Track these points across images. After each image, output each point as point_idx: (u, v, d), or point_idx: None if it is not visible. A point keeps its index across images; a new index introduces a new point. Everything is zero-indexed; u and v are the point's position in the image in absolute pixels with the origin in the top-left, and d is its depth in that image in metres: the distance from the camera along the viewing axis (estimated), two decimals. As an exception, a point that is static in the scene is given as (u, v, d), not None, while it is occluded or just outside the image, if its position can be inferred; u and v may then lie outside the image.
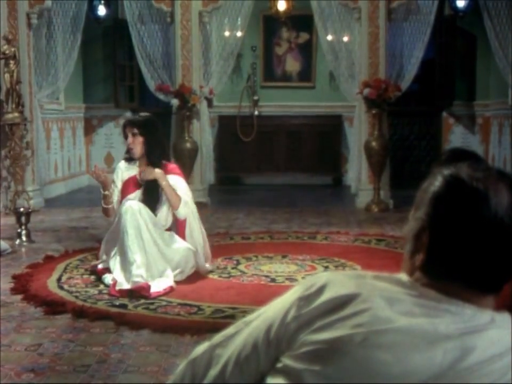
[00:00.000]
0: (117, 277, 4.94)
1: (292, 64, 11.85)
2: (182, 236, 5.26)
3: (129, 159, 5.46)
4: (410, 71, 9.02)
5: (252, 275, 5.47)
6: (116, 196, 5.40)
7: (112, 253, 5.16)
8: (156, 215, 5.18)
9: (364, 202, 8.89)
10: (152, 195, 5.26)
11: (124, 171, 5.44)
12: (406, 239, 1.31)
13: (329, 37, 9.25)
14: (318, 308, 1.23)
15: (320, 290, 1.25)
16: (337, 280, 1.27)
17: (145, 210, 5.06)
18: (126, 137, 5.40)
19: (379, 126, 8.73)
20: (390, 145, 9.05)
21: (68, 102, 11.06)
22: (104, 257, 5.34)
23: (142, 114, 5.61)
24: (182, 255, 5.18)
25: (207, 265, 5.45)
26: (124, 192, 5.35)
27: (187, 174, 8.74)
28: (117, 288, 4.85)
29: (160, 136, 5.48)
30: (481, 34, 10.25)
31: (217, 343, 1.36)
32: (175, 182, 5.28)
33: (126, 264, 4.91)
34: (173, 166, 5.50)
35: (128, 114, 5.65)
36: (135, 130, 5.31)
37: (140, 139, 5.30)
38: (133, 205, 5.03)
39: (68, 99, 11.01)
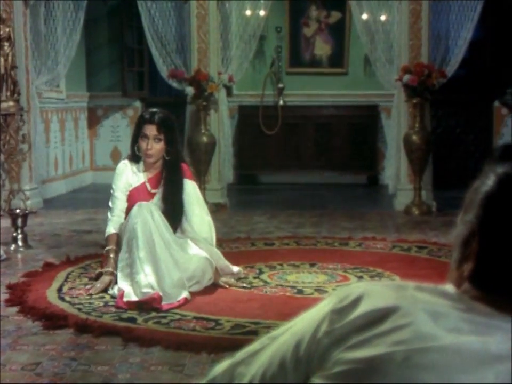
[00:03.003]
0: (123, 287, 4.95)
1: (322, 48, 11.84)
2: None
3: (134, 158, 5.42)
4: (457, 54, 8.98)
5: (276, 286, 5.48)
6: (120, 205, 5.35)
7: (119, 260, 5.17)
8: (175, 229, 5.22)
9: (403, 204, 8.86)
10: (175, 209, 5.29)
11: (131, 175, 5.39)
12: (453, 245, 1.31)
13: (365, 16, 9.24)
14: (353, 322, 1.23)
15: (356, 302, 1.25)
16: (374, 291, 1.27)
17: (157, 212, 5.07)
18: (140, 134, 5.29)
19: (421, 118, 8.70)
20: (433, 140, 9.02)
21: (69, 90, 11.12)
22: None
23: (159, 111, 5.36)
24: (199, 264, 5.18)
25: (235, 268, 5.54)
26: (132, 202, 5.27)
27: (203, 171, 8.78)
28: (125, 299, 4.86)
29: (178, 136, 5.47)
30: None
31: (240, 361, 1.37)
32: (190, 191, 5.35)
33: (134, 273, 4.92)
34: (185, 167, 5.51)
35: (148, 109, 5.47)
36: (159, 136, 5.24)
37: (161, 144, 5.28)
38: (144, 207, 5.04)
39: (69, 86, 11.07)
